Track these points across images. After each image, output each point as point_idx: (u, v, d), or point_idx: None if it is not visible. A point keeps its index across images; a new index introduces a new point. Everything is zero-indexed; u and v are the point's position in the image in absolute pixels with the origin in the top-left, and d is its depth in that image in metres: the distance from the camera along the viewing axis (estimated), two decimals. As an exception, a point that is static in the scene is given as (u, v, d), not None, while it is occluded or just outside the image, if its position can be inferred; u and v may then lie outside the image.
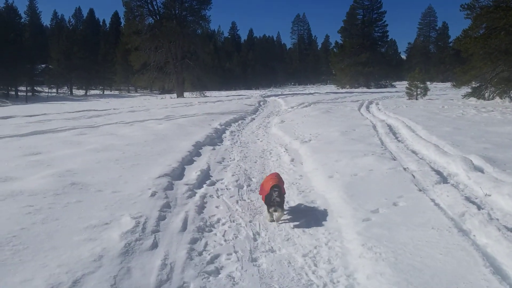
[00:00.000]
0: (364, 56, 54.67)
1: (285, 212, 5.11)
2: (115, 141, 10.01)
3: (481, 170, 6.49)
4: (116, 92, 67.19)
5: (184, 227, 4.71)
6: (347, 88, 53.74)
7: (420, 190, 5.59)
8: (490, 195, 5.37)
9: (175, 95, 41.47)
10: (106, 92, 66.70)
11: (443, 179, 6.34)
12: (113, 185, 6.06)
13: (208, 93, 43.24)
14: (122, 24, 66.00)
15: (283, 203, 4.98)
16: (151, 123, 14.27)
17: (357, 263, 3.79)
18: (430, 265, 3.50)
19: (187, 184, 6.53)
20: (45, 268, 3.42)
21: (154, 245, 4.15)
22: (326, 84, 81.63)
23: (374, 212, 4.91)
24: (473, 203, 5.10)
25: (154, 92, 64.18)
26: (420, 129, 10.95)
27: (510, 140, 8.94)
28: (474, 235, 4.18)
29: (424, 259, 3.61)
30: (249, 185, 6.77)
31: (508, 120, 12.64)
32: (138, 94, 60.48)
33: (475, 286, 3.13)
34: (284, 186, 6.29)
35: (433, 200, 5.18)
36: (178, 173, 7.24)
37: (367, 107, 20.17)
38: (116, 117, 17.11)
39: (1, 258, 3.57)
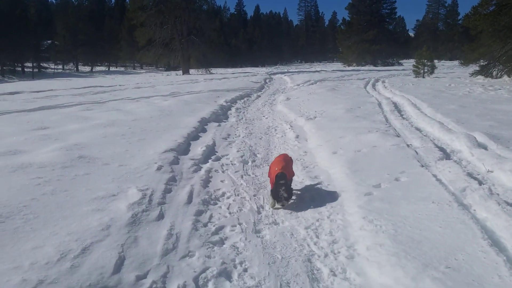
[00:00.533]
0: (371, 33, 53.96)
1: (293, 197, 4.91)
2: (121, 117, 10.10)
3: (484, 147, 6.52)
4: (122, 69, 67.06)
5: (189, 200, 4.82)
6: (354, 66, 53.23)
7: (422, 166, 5.65)
8: (492, 171, 5.42)
9: (180, 72, 41.33)
10: (112, 69, 66.59)
11: (446, 155, 6.39)
12: (119, 159, 6.17)
13: (213, 70, 43.04)
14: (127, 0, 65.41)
15: (291, 196, 4.72)
16: (157, 99, 14.33)
17: (358, 235, 3.88)
18: (429, 237, 3.59)
19: (192, 159, 6.62)
20: (55, 236, 3.54)
21: (160, 216, 4.26)
22: (333, 62, 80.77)
23: (376, 187, 4.99)
24: (475, 178, 5.15)
25: (160, 69, 63.92)
26: (425, 107, 10.93)
27: (516, 118, 8.93)
28: (474, 210, 4.25)
29: (423, 232, 3.69)
30: (254, 161, 6.85)
31: (514, 99, 12.57)
32: (144, 71, 60.34)
33: (473, 258, 3.21)
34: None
35: (435, 176, 5.24)
36: (183, 148, 7.33)
37: (373, 85, 20.07)
38: (122, 93, 17.16)
39: (13, 226, 3.69)
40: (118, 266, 3.19)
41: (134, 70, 64.42)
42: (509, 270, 3.00)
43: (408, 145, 6.91)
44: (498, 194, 4.62)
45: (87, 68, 63.49)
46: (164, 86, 21.14)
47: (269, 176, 5.26)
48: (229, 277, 3.27)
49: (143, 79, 30.26)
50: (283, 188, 4.59)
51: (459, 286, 2.85)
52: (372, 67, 49.44)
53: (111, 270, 3.11)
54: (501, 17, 18.08)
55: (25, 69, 50.35)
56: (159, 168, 5.77)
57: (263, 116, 11.76)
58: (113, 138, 7.62)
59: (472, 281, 2.90)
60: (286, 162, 5.11)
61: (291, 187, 4.82)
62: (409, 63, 42.37)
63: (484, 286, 2.84)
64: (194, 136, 8.51)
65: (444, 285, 2.85)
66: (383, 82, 21.56)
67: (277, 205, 4.74)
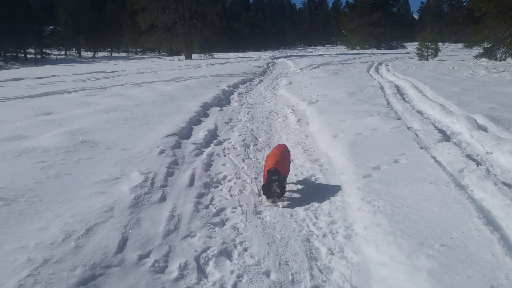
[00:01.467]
0: (375, 16, 53.45)
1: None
2: (123, 102, 10.16)
3: (484, 129, 6.55)
4: (124, 54, 66.87)
5: (191, 183, 4.90)
6: (357, 49, 52.82)
7: (422, 148, 5.70)
8: (491, 153, 5.45)
9: (183, 57, 41.24)
10: (114, 54, 66.36)
11: (446, 137, 6.43)
12: (122, 143, 6.24)
13: (216, 54, 42.89)
14: (128, -16, 64.84)
15: (284, 193, 4.42)
16: (159, 85, 14.36)
17: (356, 216, 3.96)
18: (425, 217, 3.65)
19: (194, 143, 6.68)
20: (60, 218, 3.63)
21: (163, 199, 4.34)
22: (336, 46, 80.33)
23: (375, 169, 5.04)
24: (473, 160, 5.20)
25: (162, 54, 63.79)
26: (427, 90, 10.92)
27: (517, 100, 8.92)
28: (471, 190, 4.31)
29: (420, 212, 3.76)
30: (255, 145, 6.91)
31: (517, 81, 12.52)
32: (146, 56, 60.19)
33: (467, 236, 3.28)
34: (290, 145, 6.45)
35: (434, 158, 5.29)
36: (185, 133, 7.39)
37: (376, 69, 19.99)
38: (124, 79, 17.20)
39: (19, 208, 3.79)
40: (121, 246, 3.28)
41: (136, 56, 64.21)
42: (502, 248, 3.06)
43: (408, 128, 6.95)
44: (495, 175, 4.67)
45: (90, 54, 63.37)
46: (167, 71, 21.14)
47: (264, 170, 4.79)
48: (229, 256, 3.36)
49: (146, 64, 30.25)
50: (276, 184, 4.27)
51: (453, 263, 2.92)
52: (375, 51, 49.07)
53: (114, 250, 3.20)
54: (506, -2, 17.89)
55: (28, 56, 50.30)
56: (161, 152, 5.84)
57: (265, 101, 11.78)
58: (116, 123, 7.69)
59: (466, 258, 2.97)
60: (282, 156, 4.71)
61: (284, 184, 4.53)
62: (413, 46, 42.03)
63: (478, 263, 2.90)
64: (196, 120, 8.56)
65: (438, 263, 2.92)
66: (386, 65, 21.47)
67: (267, 202, 4.43)
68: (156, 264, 3.11)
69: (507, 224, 3.51)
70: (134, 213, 3.88)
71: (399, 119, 7.66)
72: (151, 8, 37.73)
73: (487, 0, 18.68)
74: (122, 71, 22.42)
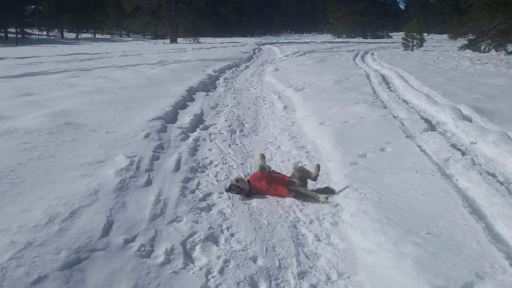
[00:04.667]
0: (362, 4, 53.39)
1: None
2: (107, 84, 9.99)
3: (469, 119, 6.62)
4: (108, 36, 65.70)
5: (177, 167, 4.85)
6: (344, 38, 52.80)
7: (407, 137, 5.73)
8: (475, 143, 5.52)
9: (168, 40, 40.74)
10: (98, 36, 65.15)
11: (431, 127, 6.48)
12: (106, 126, 6.14)
13: (202, 39, 42.51)
14: (113, -36, 63.41)
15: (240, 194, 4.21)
16: (144, 68, 14.17)
17: (343, 203, 3.96)
18: (411, 205, 3.68)
19: (180, 128, 6.61)
20: (43, 200, 3.56)
21: (148, 183, 4.29)
22: (323, 34, 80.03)
23: (362, 157, 5.06)
24: (458, 149, 5.25)
25: (147, 37, 62.76)
26: (413, 80, 10.99)
27: (501, 91, 9.04)
28: (456, 179, 4.36)
29: (406, 200, 3.78)
30: (241, 131, 6.87)
31: (501, 73, 12.67)
32: (130, 39, 59.19)
33: (453, 224, 3.31)
34: (277, 131, 6.44)
35: (419, 146, 5.33)
36: (171, 117, 7.31)
37: (362, 57, 20.03)
38: (108, 61, 16.92)
39: (0, 190, 3.69)
40: (107, 230, 3.23)
41: (120, 38, 63.14)
42: (487, 237, 3.10)
43: (394, 117, 6.98)
44: (480, 165, 4.72)
45: (73, 35, 61.96)
46: (152, 55, 20.86)
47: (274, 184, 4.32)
48: (216, 242, 3.33)
49: (130, 47, 29.79)
50: (237, 188, 4.14)
51: (438, 251, 2.94)
52: (361, 39, 49.11)
53: (99, 234, 3.15)
54: (492, -10, 18.02)
55: (8, 35, 48.98)
56: (146, 136, 5.76)
57: (252, 87, 11.71)
58: (100, 105, 7.56)
59: (452, 246, 3.00)
60: (267, 183, 4.29)
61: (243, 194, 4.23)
62: (398, 36, 42.25)
63: (463, 251, 2.94)
64: (182, 105, 8.48)
65: (424, 250, 2.95)
66: (372, 54, 21.52)
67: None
68: (142, 249, 3.07)
69: (491, 213, 3.56)
70: (119, 197, 3.82)
71: (385, 108, 7.69)
72: (137, -11, 37.10)
73: (473, -8, 18.78)
74: (106, 53, 22.05)
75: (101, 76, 11.60)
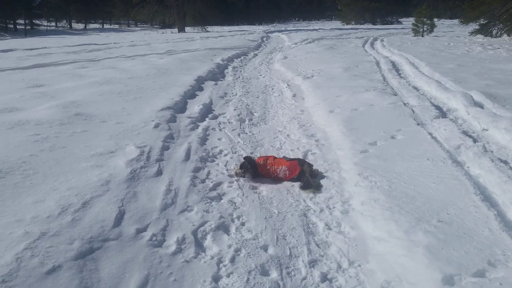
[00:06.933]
0: (371, -10, 52.82)
1: None
2: (117, 75, 10.02)
3: (481, 106, 6.54)
4: (116, 26, 65.70)
5: (187, 157, 4.86)
6: (352, 24, 52.34)
7: (418, 124, 5.69)
8: (487, 130, 5.45)
9: (176, 30, 40.64)
10: (106, 26, 65.18)
11: (442, 114, 6.42)
12: (116, 117, 6.17)
13: (209, 28, 42.33)
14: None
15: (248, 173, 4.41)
16: (153, 58, 14.16)
17: (353, 191, 3.96)
18: (422, 192, 3.66)
19: (189, 117, 6.62)
20: (56, 191, 3.60)
21: (159, 173, 4.31)
22: (331, 20, 79.22)
23: (372, 145, 5.04)
24: (470, 136, 5.20)
25: (155, 26, 62.76)
26: (423, 66, 10.86)
27: (513, 77, 8.90)
28: (468, 166, 4.32)
29: (417, 187, 3.77)
30: (251, 119, 6.86)
31: (513, 58, 12.48)
32: (138, 29, 59.15)
33: (464, 212, 3.30)
34: (286, 120, 6.44)
35: (430, 134, 5.29)
36: (180, 107, 7.32)
37: (372, 44, 19.83)
38: (117, 51, 16.94)
39: (13, 181, 3.74)
40: (119, 220, 3.26)
41: (128, 28, 63.10)
42: (499, 224, 3.08)
43: (404, 104, 6.92)
44: (492, 152, 4.68)
45: (81, 26, 62.05)
46: (160, 44, 20.84)
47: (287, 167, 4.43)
48: (227, 231, 3.35)
49: (138, 37, 29.79)
50: (247, 166, 4.40)
51: (450, 238, 2.93)
52: (370, 26, 48.62)
53: (111, 224, 3.18)
54: (503, -27, 17.66)
55: (18, 26, 49.24)
56: (156, 126, 5.78)
57: (260, 75, 11.67)
58: (110, 96, 7.59)
59: (463, 234, 2.99)
60: (275, 162, 4.49)
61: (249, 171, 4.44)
62: (408, 22, 41.75)
63: (474, 239, 2.92)
64: (191, 94, 8.48)
65: (435, 238, 2.94)
66: (382, 41, 21.29)
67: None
68: (154, 238, 3.10)
69: (503, 200, 3.54)
70: (130, 187, 3.85)
71: (395, 95, 7.63)
72: (144, -21, 36.97)
73: (485, -25, 18.43)
74: (115, 43, 22.07)
75: (110, 67, 11.63)
